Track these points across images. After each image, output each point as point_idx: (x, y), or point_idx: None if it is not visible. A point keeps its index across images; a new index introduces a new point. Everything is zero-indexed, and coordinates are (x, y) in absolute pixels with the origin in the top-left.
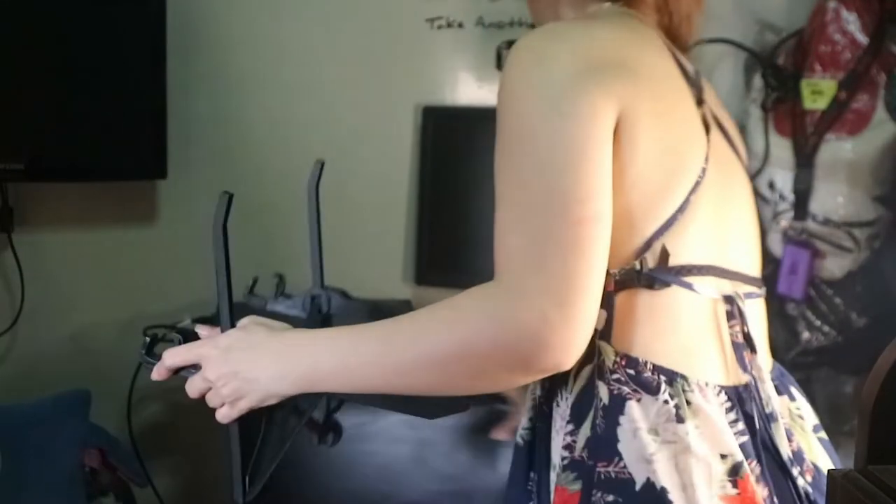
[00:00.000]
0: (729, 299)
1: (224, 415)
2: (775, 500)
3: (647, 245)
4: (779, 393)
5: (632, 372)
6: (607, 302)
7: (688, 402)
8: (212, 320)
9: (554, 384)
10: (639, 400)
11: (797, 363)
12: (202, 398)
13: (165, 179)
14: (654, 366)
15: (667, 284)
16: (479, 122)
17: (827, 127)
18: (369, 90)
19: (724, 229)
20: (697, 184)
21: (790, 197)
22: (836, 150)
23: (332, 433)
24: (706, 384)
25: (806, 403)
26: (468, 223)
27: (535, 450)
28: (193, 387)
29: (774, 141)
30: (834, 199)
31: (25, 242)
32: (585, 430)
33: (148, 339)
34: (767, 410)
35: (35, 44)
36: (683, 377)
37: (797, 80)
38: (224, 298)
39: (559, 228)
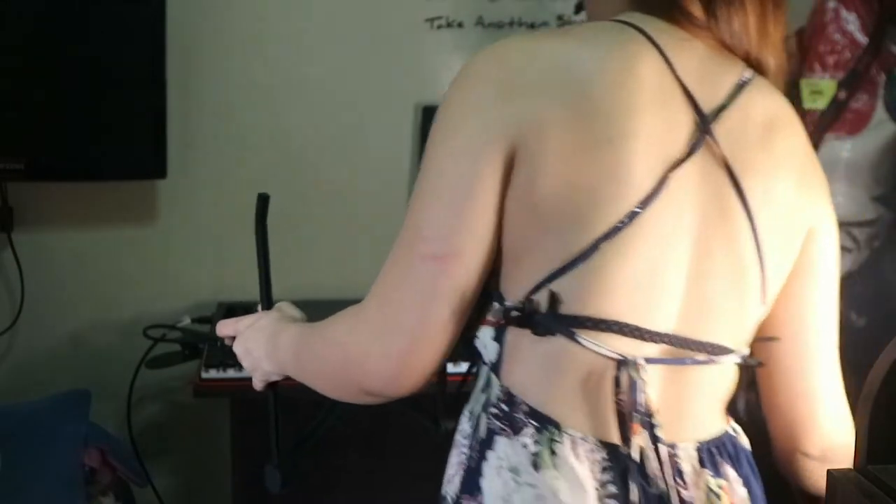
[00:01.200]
0: (622, 364)
1: (254, 384)
2: None
3: (538, 287)
4: (701, 464)
5: (507, 409)
6: (499, 334)
7: (553, 452)
8: (210, 320)
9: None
10: (508, 437)
11: None
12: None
13: (165, 179)
14: (529, 408)
15: (551, 332)
16: None
17: (826, 127)
18: (369, 90)
19: (671, 285)
20: (617, 229)
21: None
22: (836, 149)
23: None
24: (583, 438)
25: (740, 486)
26: None
27: None
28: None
29: None
30: (833, 198)
31: (25, 242)
32: (470, 455)
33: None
34: (652, 490)
35: (35, 44)
36: (556, 426)
37: (796, 80)
38: (263, 284)
39: (402, 262)
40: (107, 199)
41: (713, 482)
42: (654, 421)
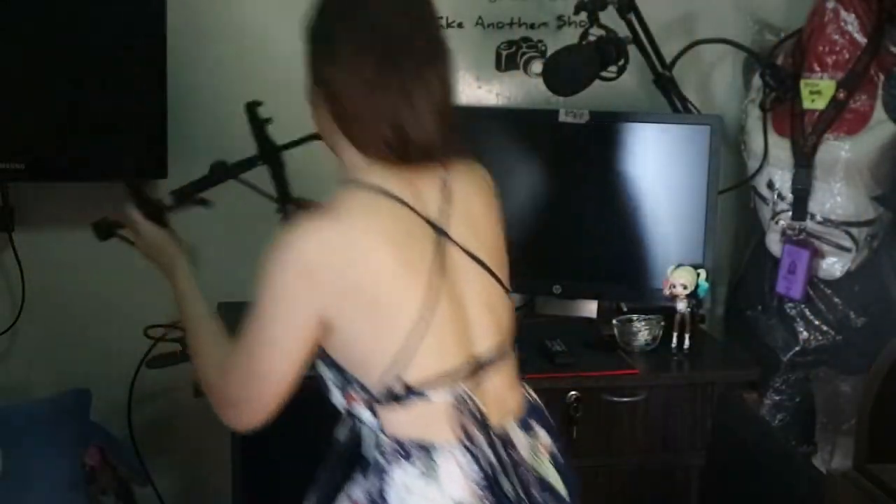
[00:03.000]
0: (458, 401)
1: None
2: None
3: (384, 376)
4: (523, 431)
5: (396, 447)
6: (370, 408)
7: (437, 465)
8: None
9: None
10: (400, 466)
11: (796, 362)
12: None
13: (165, 179)
14: (412, 441)
15: (408, 399)
16: (479, 122)
17: (826, 127)
18: None
19: (460, 334)
20: (415, 331)
21: (789, 197)
22: (835, 149)
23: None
24: (455, 447)
25: (545, 434)
26: None
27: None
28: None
29: (773, 141)
30: (832, 198)
31: (26, 242)
32: (371, 485)
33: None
34: (491, 460)
35: (36, 44)
36: (434, 446)
37: (796, 80)
38: (278, 182)
39: (244, 365)
40: (107, 199)
41: (533, 442)
42: (490, 426)
